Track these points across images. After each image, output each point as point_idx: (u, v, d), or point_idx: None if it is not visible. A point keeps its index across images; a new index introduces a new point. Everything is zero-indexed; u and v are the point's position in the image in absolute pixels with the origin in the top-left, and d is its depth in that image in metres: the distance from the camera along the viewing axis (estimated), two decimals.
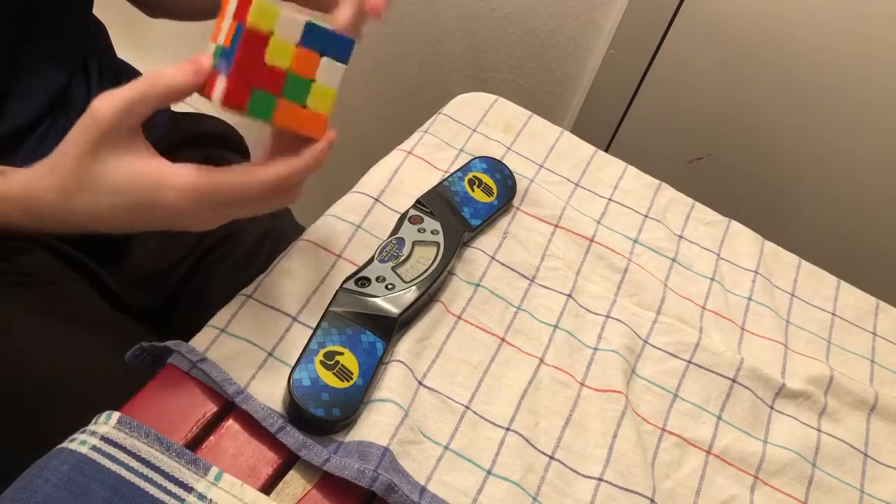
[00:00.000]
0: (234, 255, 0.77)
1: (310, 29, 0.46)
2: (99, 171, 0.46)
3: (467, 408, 0.56)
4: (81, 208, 0.48)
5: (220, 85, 0.45)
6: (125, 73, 0.76)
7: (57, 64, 0.66)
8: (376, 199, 0.66)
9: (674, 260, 0.71)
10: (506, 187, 0.70)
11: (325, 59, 0.48)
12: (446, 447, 0.53)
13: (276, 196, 0.49)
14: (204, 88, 0.47)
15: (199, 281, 0.76)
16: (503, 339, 0.60)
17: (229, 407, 0.51)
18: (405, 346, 0.56)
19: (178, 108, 0.78)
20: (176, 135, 0.78)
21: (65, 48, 0.67)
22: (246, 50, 0.45)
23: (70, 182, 0.47)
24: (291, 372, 0.51)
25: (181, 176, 0.46)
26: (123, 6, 0.74)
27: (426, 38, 1.23)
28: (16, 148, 0.64)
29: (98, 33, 0.74)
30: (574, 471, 0.55)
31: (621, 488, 0.54)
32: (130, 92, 0.45)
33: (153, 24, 0.80)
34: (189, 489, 0.45)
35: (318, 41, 0.47)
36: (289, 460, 0.50)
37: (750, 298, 0.70)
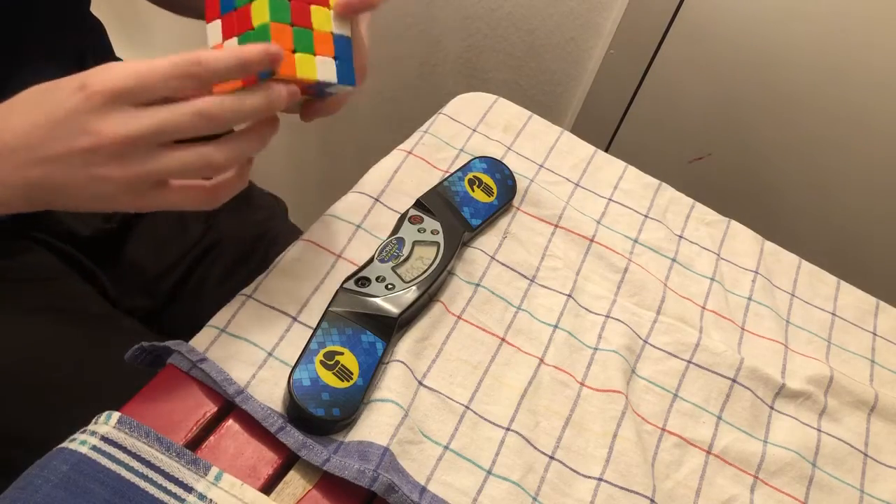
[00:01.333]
0: (228, 257, 0.77)
1: (341, 40, 0.50)
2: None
3: (467, 408, 0.56)
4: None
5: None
6: None
7: (53, 63, 0.66)
8: (376, 199, 0.66)
9: (674, 260, 0.71)
10: (506, 187, 0.70)
11: (334, 61, 0.50)
12: (446, 447, 0.53)
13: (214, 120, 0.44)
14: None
15: (194, 284, 0.76)
16: (503, 339, 0.60)
17: (229, 407, 0.51)
18: (405, 346, 0.56)
19: None
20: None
21: (61, 46, 0.67)
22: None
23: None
24: (291, 372, 0.51)
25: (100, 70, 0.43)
26: (121, 3, 0.74)
27: (426, 38, 1.23)
28: None
29: (95, 31, 0.74)
30: (574, 471, 0.55)
31: (621, 488, 0.54)
32: (172, 60, 0.43)
33: (151, 22, 0.80)
34: (189, 489, 0.45)
35: (341, 51, 0.50)
36: (289, 460, 0.50)
37: (750, 298, 0.70)
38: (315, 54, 0.49)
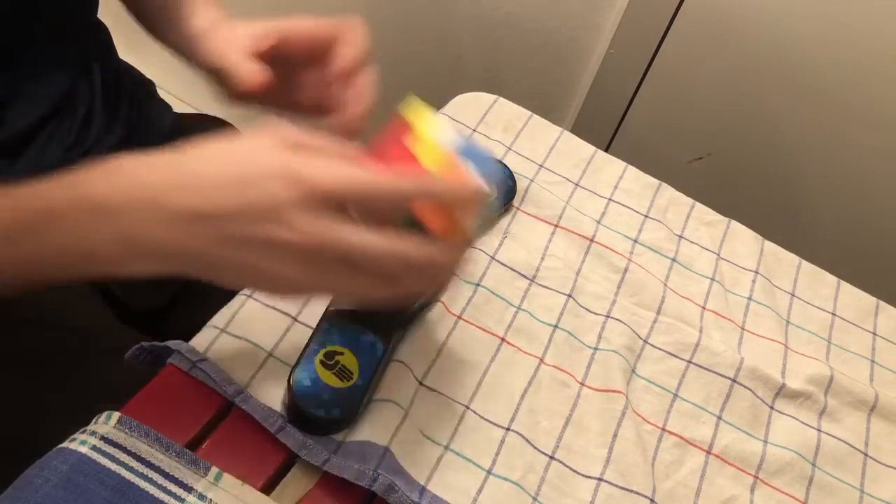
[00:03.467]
0: None
1: (459, 142, 0.45)
2: (221, 147, 0.41)
3: (467, 408, 0.56)
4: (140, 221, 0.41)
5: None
6: (127, 75, 0.75)
7: (60, 67, 0.66)
8: None
9: (674, 260, 0.71)
10: (506, 187, 0.69)
11: (470, 173, 0.45)
12: (446, 447, 0.53)
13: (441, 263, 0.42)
14: None
15: (202, 284, 0.76)
16: (503, 339, 0.60)
17: (229, 407, 0.51)
18: (405, 346, 0.56)
19: (180, 108, 0.79)
20: (182, 136, 0.78)
21: (67, 50, 0.67)
22: (393, 142, 0.45)
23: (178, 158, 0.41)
24: (291, 372, 0.51)
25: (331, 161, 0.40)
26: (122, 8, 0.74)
27: (426, 38, 1.23)
28: (17, 155, 0.64)
29: (100, 34, 0.74)
30: (574, 471, 0.55)
31: (621, 488, 0.54)
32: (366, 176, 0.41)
33: None
34: (189, 489, 0.45)
35: (467, 155, 0.45)
36: (289, 460, 0.50)
37: (750, 298, 0.70)
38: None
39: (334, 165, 0.40)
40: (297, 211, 0.39)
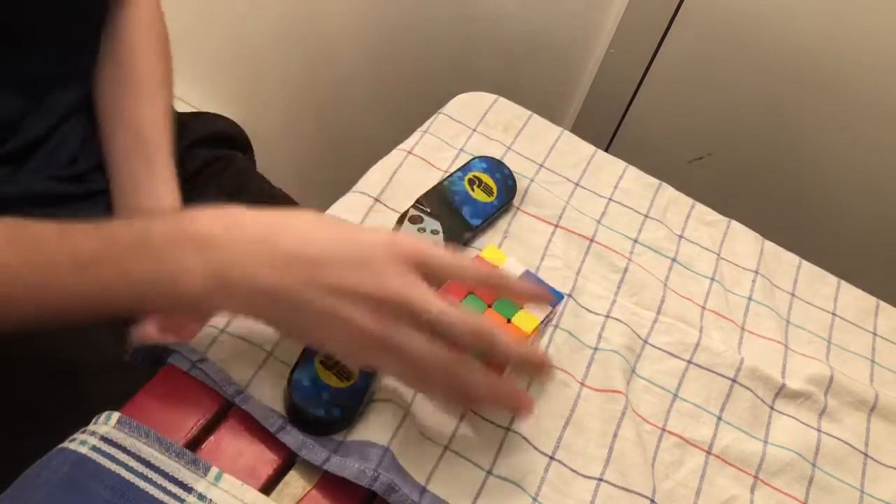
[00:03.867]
0: None
1: (527, 273, 0.57)
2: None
3: None
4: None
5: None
6: None
7: (73, 76, 0.66)
8: (376, 199, 0.66)
9: (674, 260, 0.71)
10: (506, 187, 0.70)
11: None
12: (446, 447, 0.53)
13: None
14: None
15: None
16: None
17: (229, 407, 0.51)
18: None
19: (180, 108, 0.78)
20: (185, 135, 0.78)
21: (80, 58, 0.67)
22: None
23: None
24: (291, 372, 0.51)
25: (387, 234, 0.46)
26: None
27: (426, 37, 1.23)
28: (26, 160, 0.64)
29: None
30: (574, 471, 0.55)
31: (621, 488, 0.54)
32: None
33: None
34: (189, 489, 0.45)
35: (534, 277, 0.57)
36: (289, 460, 0.50)
37: (750, 298, 0.70)
38: (521, 307, 0.54)
39: (426, 242, 0.46)
40: (389, 266, 0.44)
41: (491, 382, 0.47)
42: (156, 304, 0.46)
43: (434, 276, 0.46)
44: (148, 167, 0.65)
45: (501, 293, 0.51)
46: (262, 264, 0.43)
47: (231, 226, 0.44)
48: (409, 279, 0.44)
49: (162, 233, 0.44)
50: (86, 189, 0.67)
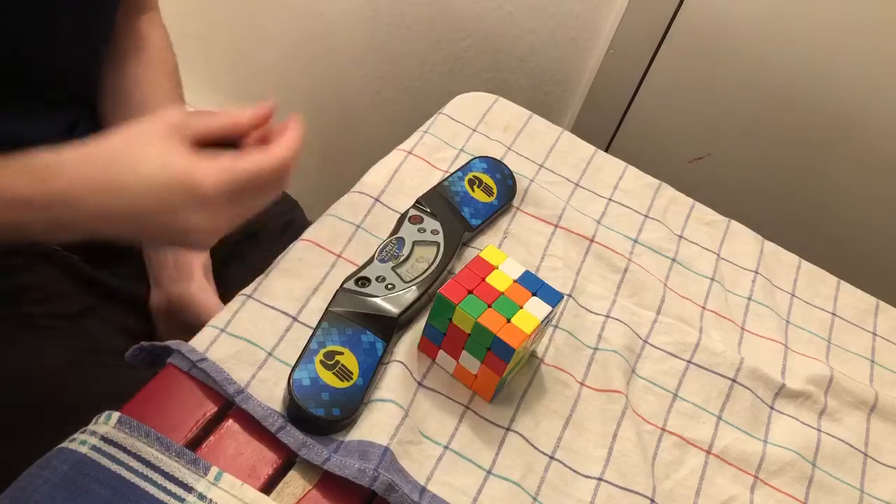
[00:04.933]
0: (256, 249, 0.78)
1: (527, 274, 0.57)
2: (141, 153, 0.50)
3: (467, 407, 0.56)
4: (113, 195, 0.49)
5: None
6: None
7: (63, 104, 0.67)
8: (376, 199, 0.66)
9: (674, 260, 0.71)
10: (506, 187, 0.70)
11: (534, 298, 0.55)
12: (446, 447, 0.53)
13: (280, 180, 0.53)
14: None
15: (225, 278, 0.76)
16: None
17: (229, 407, 0.51)
18: (405, 346, 0.56)
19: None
20: None
21: (68, 83, 0.67)
22: (473, 267, 0.56)
23: (112, 157, 0.50)
24: (291, 372, 0.51)
25: (213, 164, 0.50)
26: None
27: (426, 37, 1.23)
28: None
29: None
30: (574, 471, 0.55)
31: (621, 488, 0.54)
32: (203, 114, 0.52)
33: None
34: (189, 489, 0.45)
35: (532, 284, 0.56)
36: (289, 460, 0.50)
37: (750, 298, 0.70)
38: (521, 307, 0.54)
39: (216, 165, 0.50)
40: (197, 215, 0.50)
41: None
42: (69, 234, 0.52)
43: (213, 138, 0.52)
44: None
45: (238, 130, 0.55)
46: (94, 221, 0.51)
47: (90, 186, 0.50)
48: (223, 205, 0.51)
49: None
50: None
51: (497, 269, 0.57)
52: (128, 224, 0.51)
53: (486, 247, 0.58)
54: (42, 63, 0.62)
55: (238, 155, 0.52)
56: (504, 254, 0.58)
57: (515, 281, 0.56)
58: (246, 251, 0.78)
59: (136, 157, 0.50)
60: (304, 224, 0.83)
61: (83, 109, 0.69)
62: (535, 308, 0.55)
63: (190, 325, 0.65)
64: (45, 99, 0.64)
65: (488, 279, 0.56)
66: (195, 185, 0.49)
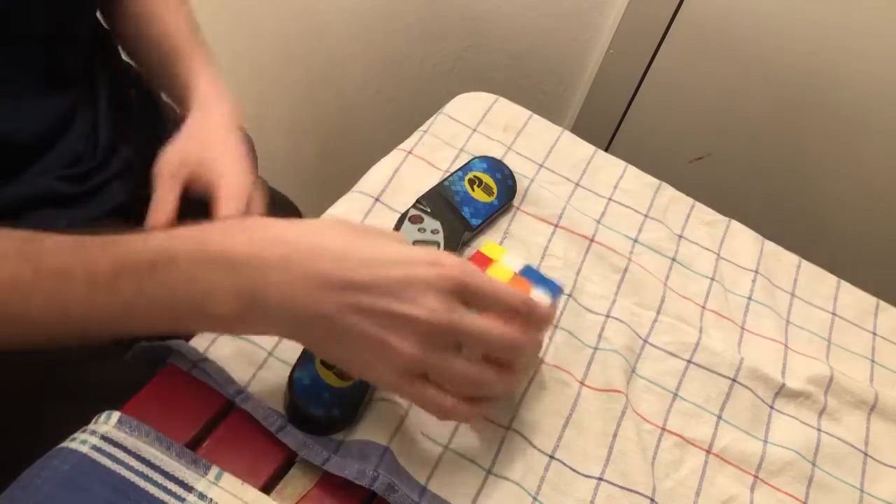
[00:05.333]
0: None
1: (528, 268, 0.56)
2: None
3: None
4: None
5: None
6: (134, 81, 0.75)
7: (59, 84, 0.66)
8: (376, 199, 0.66)
9: (674, 259, 0.71)
10: (506, 187, 0.70)
11: (536, 290, 0.54)
12: (446, 447, 0.53)
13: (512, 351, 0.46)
14: None
15: None
16: None
17: (229, 407, 0.51)
18: None
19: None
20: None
21: (66, 63, 0.66)
22: (474, 261, 0.54)
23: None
24: (291, 371, 0.51)
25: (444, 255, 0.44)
26: None
27: (426, 38, 1.23)
28: (17, 173, 0.63)
29: (103, 37, 0.74)
30: (574, 470, 0.55)
31: (621, 488, 0.54)
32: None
33: None
34: (189, 489, 0.45)
35: (532, 277, 0.55)
36: (289, 460, 0.50)
37: (750, 298, 0.70)
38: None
39: (469, 265, 0.45)
40: (431, 291, 0.42)
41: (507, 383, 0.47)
42: (185, 325, 0.45)
43: (472, 301, 0.44)
44: (179, 58, 0.67)
45: (530, 321, 0.48)
46: (295, 288, 0.41)
47: (260, 243, 0.42)
48: (453, 305, 0.43)
49: (186, 252, 0.42)
50: (87, 188, 0.66)
51: (497, 261, 0.56)
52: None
53: (487, 243, 0.58)
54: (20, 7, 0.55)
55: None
56: (504, 248, 0.57)
57: (517, 274, 0.55)
58: None
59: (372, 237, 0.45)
60: None
61: (80, 93, 0.66)
62: (536, 299, 0.54)
63: (195, 197, 0.59)
64: (26, 66, 0.59)
65: (489, 271, 0.55)
66: (437, 258, 0.43)
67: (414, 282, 0.42)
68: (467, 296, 0.44)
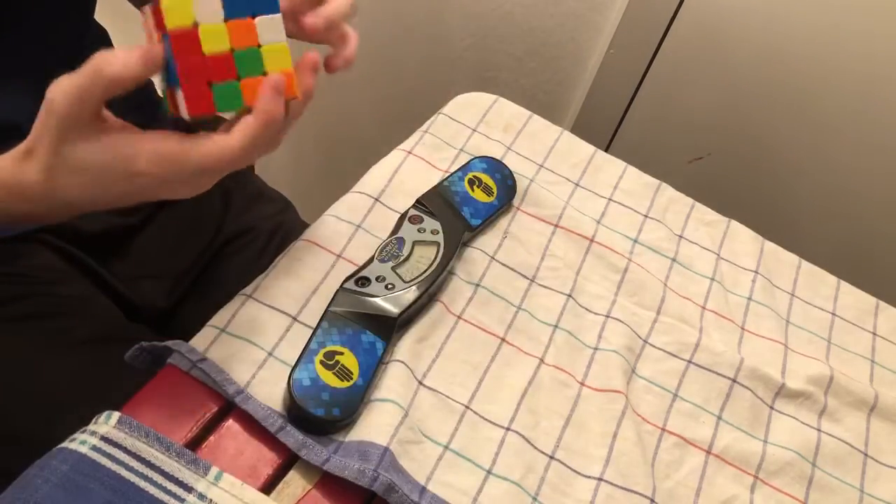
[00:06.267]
0: (246, 251, 0.78)
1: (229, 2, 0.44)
2: (71, 156, 0.44)
3: (467, 407, 0.56)
4: (65, 189, 0.45)
5: (180, 99, 0.44)
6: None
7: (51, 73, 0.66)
8: (376, 199, 0.66)
9: (674, 260, 0.71)
10: (506, 187, 0.70)
11: (258, 20, 0.44)
12: (446, 447, 0.53)
13: (248, 157, 0.45)
14: (170, 107, 0.46)
15: (212, 280, 0.76)
16: (503, 339, 0.60)
17: (229, 407, 0.51)
18: (405, 346, 0.56)
19: None
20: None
21: (62, 60, 0.66)
22: (181, 54, 0.43)
23: (49, 164, 0.44)
24: (291, 372, 0.51)
25: (148, 141, 0.44)
26: (124, 9, 0.74)
27: (426, 37, 1.23)
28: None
29: (100, 39, 0.74)
30: (574, 471, 0.55)
31: (621, 488, 0.54)
32: (80, 79, 0.42)
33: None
34: (189, 489, 0.45)
35: (242, 5, 0.44)
36: (289, 460, 0.50)
37: (750, 298, 0.70)
38: (259, 46, 0.45)
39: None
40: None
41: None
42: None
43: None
44: None
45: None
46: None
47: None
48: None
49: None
50: None
51: (199, 24, 0.43)
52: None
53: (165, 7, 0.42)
54: None
55: (189, 139, 0.44)
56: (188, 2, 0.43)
57: (226, 20, 0.44)
58: (236, 251, 0.78)
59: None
60: (295, 224, 0.82)
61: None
62: (269, 30, 0.45)
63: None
64: (25, 65, 0.60)
65: (205, 47, 0.43)
66: (134, 165, 0.44)
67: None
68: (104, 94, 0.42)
